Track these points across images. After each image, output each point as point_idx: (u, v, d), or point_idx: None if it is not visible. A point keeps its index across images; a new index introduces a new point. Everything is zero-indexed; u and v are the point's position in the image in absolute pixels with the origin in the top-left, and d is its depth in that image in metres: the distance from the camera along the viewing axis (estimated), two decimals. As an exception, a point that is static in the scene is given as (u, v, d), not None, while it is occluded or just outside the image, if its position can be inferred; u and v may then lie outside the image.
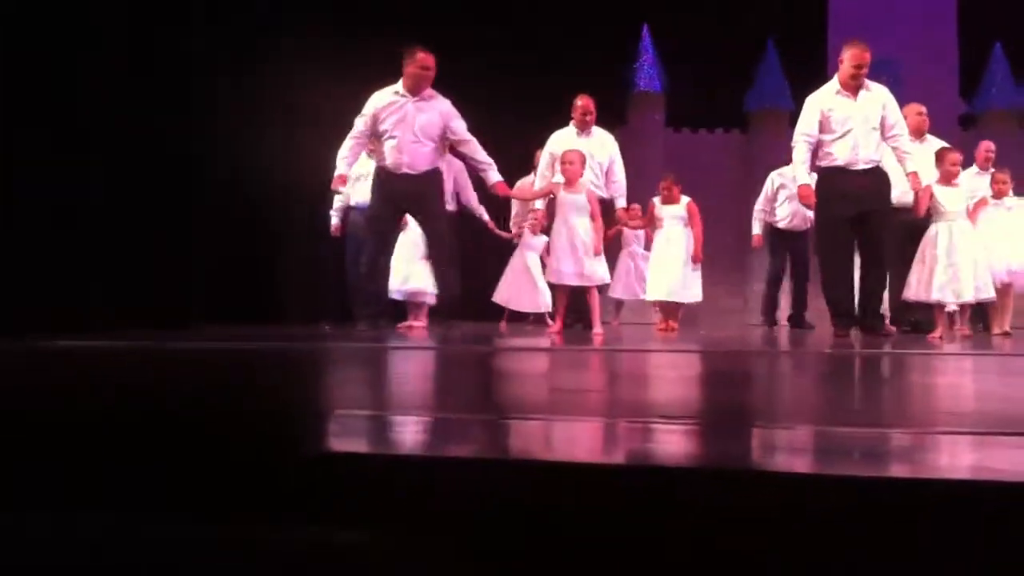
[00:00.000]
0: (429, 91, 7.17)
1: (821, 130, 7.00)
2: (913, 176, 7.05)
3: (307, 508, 1.44)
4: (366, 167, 8.01)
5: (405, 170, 7.08)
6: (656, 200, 9.25)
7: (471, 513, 1.38)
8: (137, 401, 2.34)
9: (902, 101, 7.55)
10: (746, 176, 15.77)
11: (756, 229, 10.31)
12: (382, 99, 7.16)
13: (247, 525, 1.44)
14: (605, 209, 7.56)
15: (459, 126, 7.22)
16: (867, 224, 6.94)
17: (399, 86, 7.16)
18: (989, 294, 7.26)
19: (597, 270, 6.83)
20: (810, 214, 8.39)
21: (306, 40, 8.90)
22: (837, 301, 6.96)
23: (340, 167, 7.21)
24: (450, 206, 8.35)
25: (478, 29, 10.99)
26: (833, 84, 7.11)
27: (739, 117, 19.35)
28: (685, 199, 9.15)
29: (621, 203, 8.46)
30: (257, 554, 1.41)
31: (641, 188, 10.37)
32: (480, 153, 7.28)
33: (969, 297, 7.17)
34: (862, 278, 7.05)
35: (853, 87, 7.01)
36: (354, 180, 8.07)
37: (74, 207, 6.33)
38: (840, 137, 6.95)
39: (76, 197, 6.35)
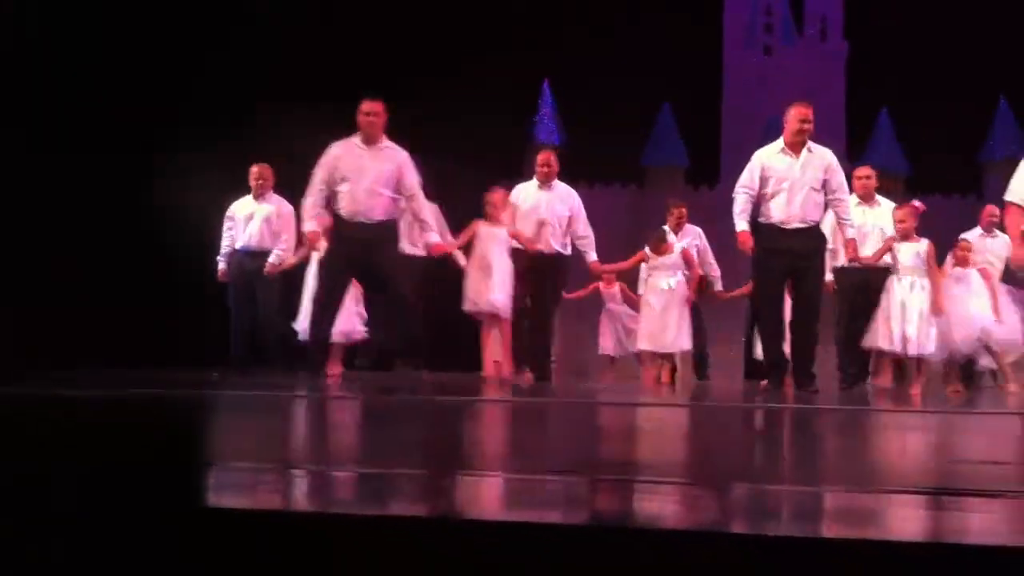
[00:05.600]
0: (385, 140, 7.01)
1: (760, 186, 7.01)
2: (851, 243, 7.18)
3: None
4: (248, 209, 8.34)
5: (360, 219, 6.89)
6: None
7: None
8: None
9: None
10: (642, 229, 16.03)
11: None
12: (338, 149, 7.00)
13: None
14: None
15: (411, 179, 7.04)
16: (800, 281, 7.02)
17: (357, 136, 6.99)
18: (929, 350, 7.36)
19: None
20: None
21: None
22: (773, 355, 7.01)
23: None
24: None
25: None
26: (778, 143, 7.14)
27: (636, 172, 19.74)
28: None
29: (592, 257, 8.42)
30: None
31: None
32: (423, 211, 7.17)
33: (919, 351, 7.30)
34: (793, 335, 7.02)
35: (796, 145, 7.02)
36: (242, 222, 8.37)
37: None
38: (776, 194, 6.99)
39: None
